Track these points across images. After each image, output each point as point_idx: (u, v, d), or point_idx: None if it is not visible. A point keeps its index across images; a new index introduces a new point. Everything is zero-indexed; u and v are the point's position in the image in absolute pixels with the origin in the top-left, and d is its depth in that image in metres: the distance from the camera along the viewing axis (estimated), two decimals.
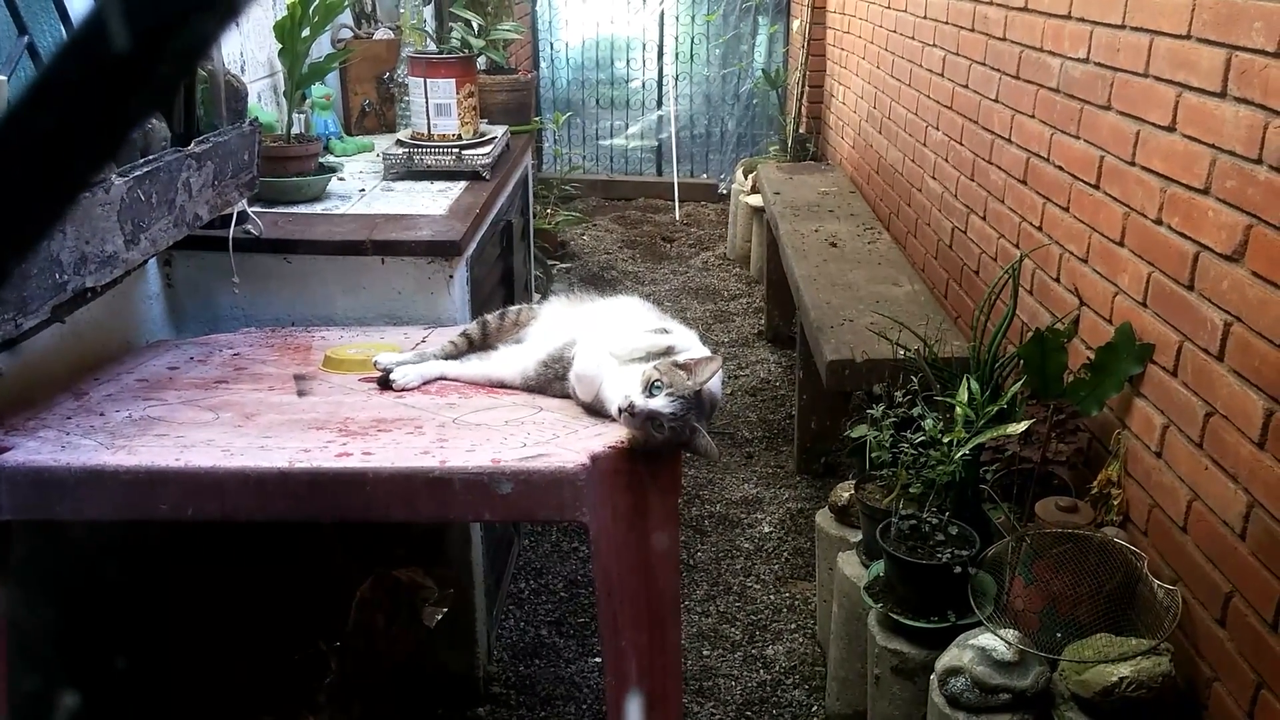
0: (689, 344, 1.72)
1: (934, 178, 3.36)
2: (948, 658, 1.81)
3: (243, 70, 2.50)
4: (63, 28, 1.83)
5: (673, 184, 6.59)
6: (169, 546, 1.89)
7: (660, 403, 1.50)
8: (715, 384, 1.62)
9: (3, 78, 1.45)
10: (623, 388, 1.54)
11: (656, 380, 1.51)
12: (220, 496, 1.43)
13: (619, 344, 1.68)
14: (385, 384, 1.78)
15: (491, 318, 1.93)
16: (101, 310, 1.88)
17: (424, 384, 1.79)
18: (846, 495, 2.46)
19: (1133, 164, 2.01)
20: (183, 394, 1.72)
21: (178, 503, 1.43)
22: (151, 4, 0.27)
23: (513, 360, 1.82)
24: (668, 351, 1.65)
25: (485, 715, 2.35)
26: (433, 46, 3.18)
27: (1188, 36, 1.82)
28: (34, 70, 1.76)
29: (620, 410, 1.52)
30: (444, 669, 2.32)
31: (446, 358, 1.86)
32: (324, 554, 2.03)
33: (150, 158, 1.65)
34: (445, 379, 1.82)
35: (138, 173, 1.58)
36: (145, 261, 1.77)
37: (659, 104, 6.91)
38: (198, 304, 2.19)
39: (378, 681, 2.00)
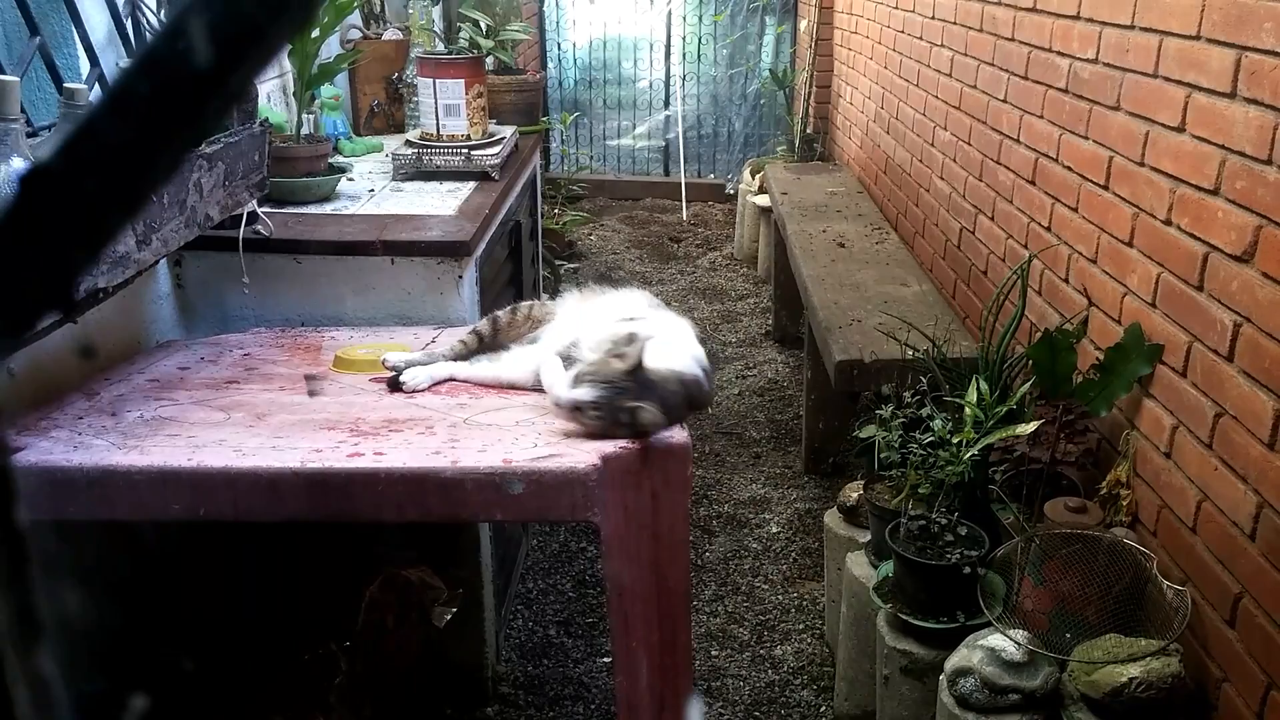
0: (655, 329, 1.73)
1: (942, 178, 3.36)
2: (957, 658, 1.81)
3: None
4: (74, 28, 1.85)
5: (680, 184, 6.59)
6: (179, 546, 1.89)
7: (581, 392, 1.54)
8: (684, 363, 1.65)
9: (15, 79, 1.46)
10: (556, 386, 1.61)
11: (582, 371, 1.57)
12: (232, 497, 1.44)
13: (589, 342, 1.71)
14: (394, 385, 1.78)
15: (503, 314, 1.93)
16: (112, 310, 1.89)
17: (433, 385, 1.80)
18: (855, 495, 2.46)
19: (1142, 164, 2.01)
20: (194, 394, 1.73)
21: (190, 503, 1.44)
22: (230, 18, 0.27)
23: (522, 361, 1.82)
24: (630, 339, 1.67)
25: (494, 715, 2.36)
26: (441, 47, 3.19)
27: (1197, 37, 1.81)
28: (45, 71, 1.77)
29: (550, 406, 1.59)
30: (453, 669, 2.33)
31: (456, 358, 1.86)
32: (334, 554, 2.03)
33: None
34: (454, 380, 1.83)
35: None
36: (156, 262, 1.78)
37: (666, 104, 6.92)
38: (208, 304, 2.20)
39: (387, 681, 2.00)
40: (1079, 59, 2.32)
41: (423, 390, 1.78)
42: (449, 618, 2.04)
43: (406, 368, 1.80)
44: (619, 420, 1.53)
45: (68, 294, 0.29)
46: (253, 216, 2.14)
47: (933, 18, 3.51)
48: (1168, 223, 1.90)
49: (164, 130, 0.28)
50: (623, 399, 1.53)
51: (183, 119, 0.28)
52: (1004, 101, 2.79)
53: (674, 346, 1.68)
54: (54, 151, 0.28)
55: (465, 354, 1.88)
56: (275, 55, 0.30)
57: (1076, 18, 2.33)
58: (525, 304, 1.96)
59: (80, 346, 1.65)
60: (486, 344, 1.90)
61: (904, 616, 2.01)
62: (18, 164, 1.38)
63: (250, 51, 0.28)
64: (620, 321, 1.75)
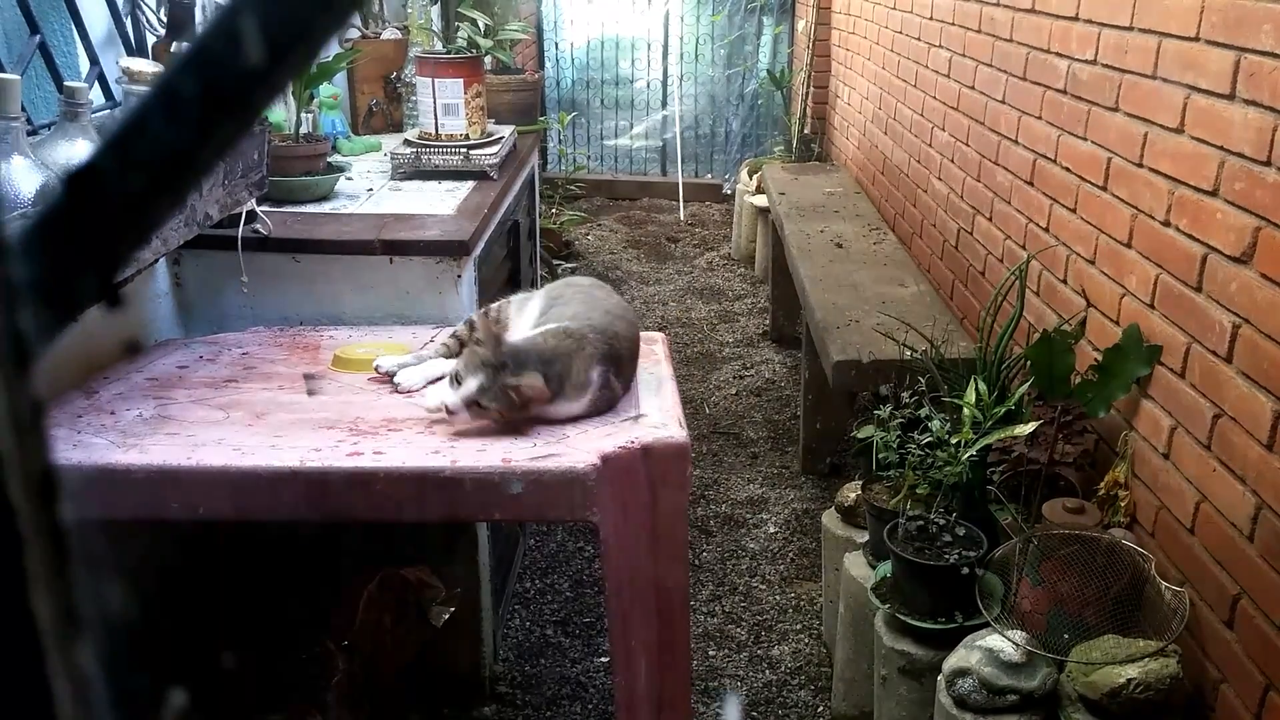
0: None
1: (940, 179, 3.36)
2: (955, 659, 1.81)
3: None
4: (73, 27, 1.84)
5: (677, 184, 6.59)
6: (177, 545, 1.89)
7: (469, 386, 1.54)
8: (555, 321, 1.69)
9: (16, 76, 1.46)
10: (440, 397, 1.59)
11: (455, 371, 1.57)
12: (231, 496, 1.44)
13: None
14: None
15: (476, 316, 1.94)
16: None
17: (428, 384, 1.80)
18: (853, 496, 2.46)
19: (1141, 165, 2.01)
20: (193, 393, 1.72)
21: (189, 502, 1.44)
22: (279, 13, 0.28)
23: None
24: (473, 322, 1.75)
25: (491, 715, 2.36)
26: (440, 46, 3.18)
27: (1196, 38, 1.82)
28: (46, 69, 1.77)
29: (446, 417, 1.56)
30: (450, 668, 2.33)
31: (445, 357, 1.87)
32: (332, 553, 2.03)
33: None
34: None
35: None
36: (155, 261, 1.78)
37: (664, 104, 6.92)
38: (206, 303, 2.20)
39: (384, 681, 2.00)
40: (1078, 60, 2.32)
41: (418, 389, 1.78)
42: (446, 617, 2.04)
43: (399, 370, 1.80)
44: (511, 401, 1.55)
45: (111, 286, 0.29)
46: (251, 215, 2.14)
47: (931, 18, 3.51)
48: (1166, 224, 1.90)
49: (212, 127, 0.28)
50: (505, 375, 1.55)
51: (230, 115, 0.28)
52: (1002, 102, 2.79)
53: (480, 319, 1.74)
54: (101, 148, 0.28)
55: (450, 356, 1.88)
56: (322, 48, 0.30)
57: (1075, 19, 2.33)
58: (495, 305, 1.96)
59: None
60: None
61: (902, 617, 2.01)
62: (19, 162, 1.38)
63: (298, 46, 0.28)
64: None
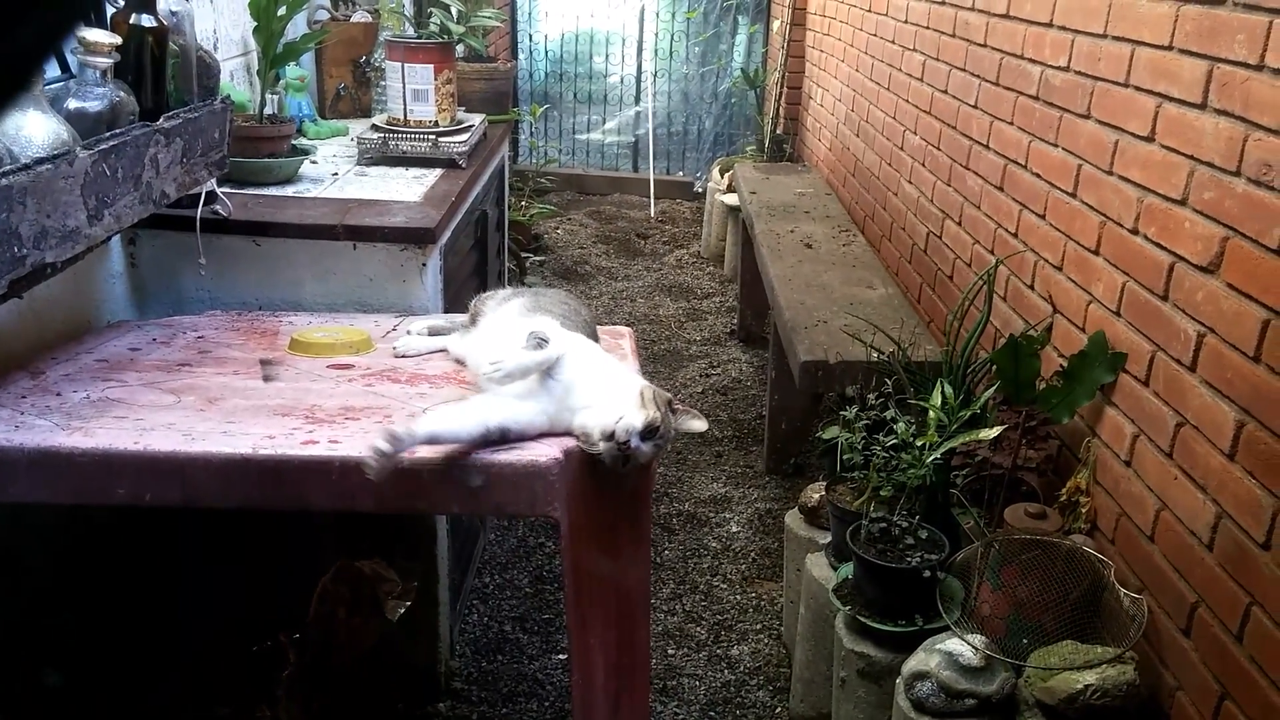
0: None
1: (910, 182, 3.36)
2: (914, 662, 1.81)
3: (215, 47, 2.45)
4: None
5: (648, 180, 6.57)
6: (125, 532, 1.84)
7: (649, 448, 1.46)
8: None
9: None
10: (612, 416, 1.46)
11: (656, 423, 1.45)
12: (180, 482, 1.39)
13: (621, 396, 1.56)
14: None
15: (477, 301, 1.94)
16: (62, 288, 1.83)
17: (429, 352, 1.87)
18: (816, 496, 2.45)
19: (1110, 173, 2.01)
20: (144, 376, 1.67)
21: (135, 487, 1.40)
22: None
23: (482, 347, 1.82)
24: (663, 401, 1.54)
25: (446, 711, 2.32)
26: (411, 31, 3.14)
27: (1169, 48, 1.82)
28: None
29: (605, 439, 1.44)
30: (405, 663, 2.29)
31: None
32: (286, 543, 1.99)
33: (117, 131, 1.60)
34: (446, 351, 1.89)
35: (103, 146, 1.54)
36: (108, 238, 1.72)
37: (637, 100, 6.89)
38: (162, 285, 2.14)
39: (337, 674, 1.96)
40: (1050, 66, 2.32)
41: (412, 356, 1.85)
42: (402, 611, 2.00)
43: (407, 334, 1.90)
44: (634, 468, 1.50)
45: None
46: (211, 196, 2.09)
47: (905, 22, 3.52)
48: (1134, 232, 1.91)
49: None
50: (664, 445, 1.51)
51: None
52: (974, 107, 2.80)
53: (697, 422, 1.57)
54: None
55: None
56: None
57: (1049, 25, 2.33)
58: (481, 296, 1.95)
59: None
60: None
61: (862, 619, 2.00)
62: None
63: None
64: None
